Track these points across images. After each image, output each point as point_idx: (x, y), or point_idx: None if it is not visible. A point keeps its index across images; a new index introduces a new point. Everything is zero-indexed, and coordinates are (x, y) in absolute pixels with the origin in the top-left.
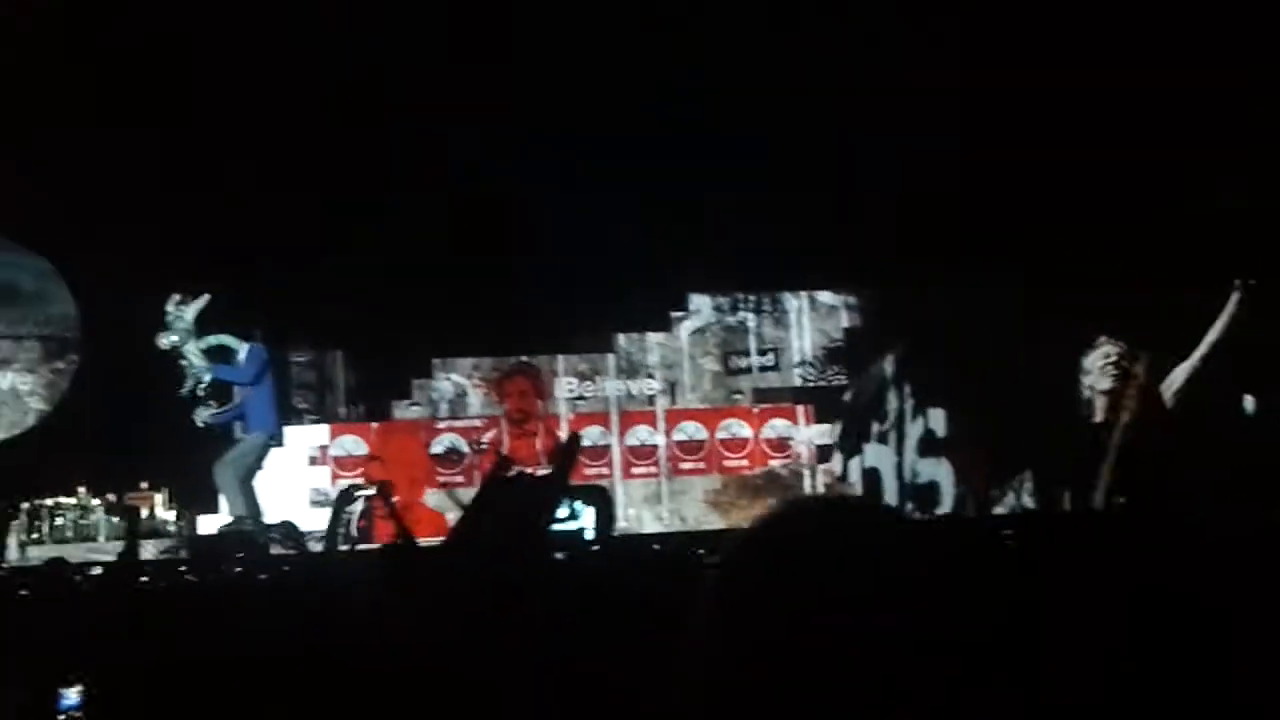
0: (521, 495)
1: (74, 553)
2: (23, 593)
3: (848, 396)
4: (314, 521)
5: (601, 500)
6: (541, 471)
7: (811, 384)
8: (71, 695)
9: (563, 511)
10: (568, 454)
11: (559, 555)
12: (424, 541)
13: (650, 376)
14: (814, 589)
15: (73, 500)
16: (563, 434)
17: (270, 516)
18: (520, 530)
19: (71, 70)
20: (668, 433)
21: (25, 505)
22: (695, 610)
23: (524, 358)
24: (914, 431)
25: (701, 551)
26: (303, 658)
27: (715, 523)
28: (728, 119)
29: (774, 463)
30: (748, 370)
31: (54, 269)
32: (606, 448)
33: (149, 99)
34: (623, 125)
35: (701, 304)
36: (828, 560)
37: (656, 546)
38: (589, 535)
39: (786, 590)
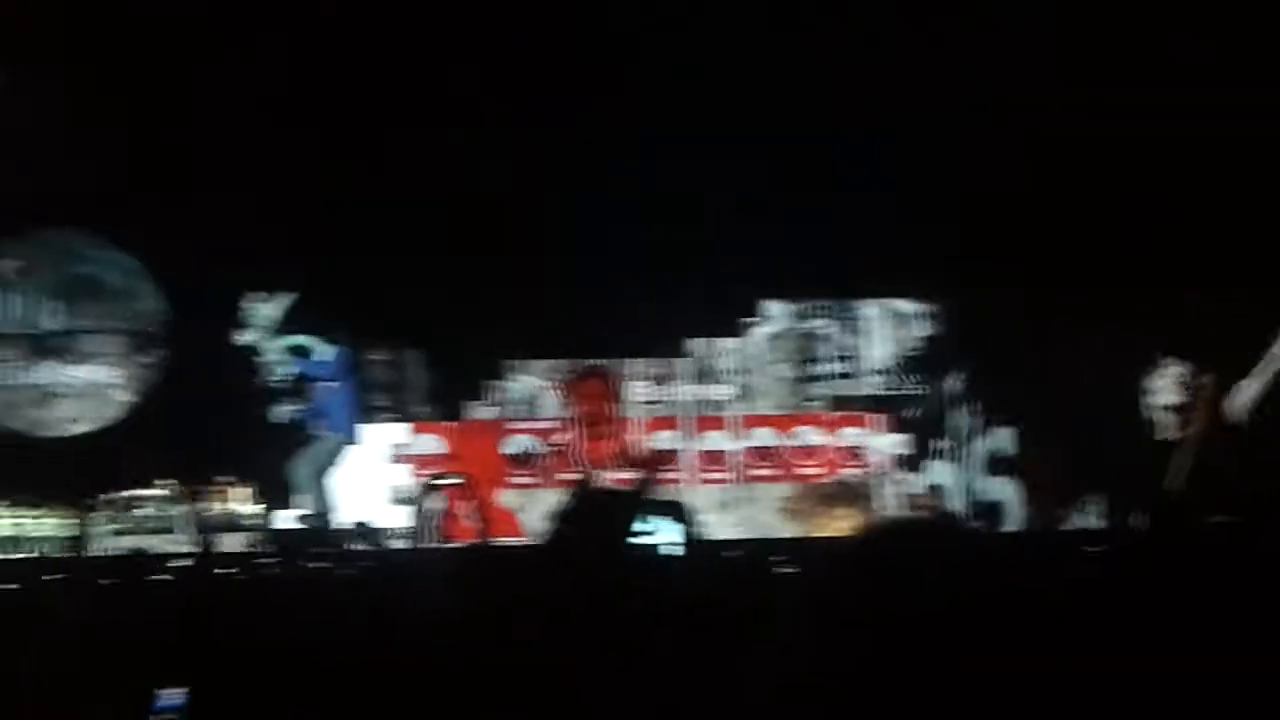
0: (604, 506)
1: (154, 544)
2: (105, 583)
3: (920, 406)
4: (391, 519)
5: (679, 513)
6: (622, 484)
7: (886, 393)
8: (174, 696)
9: (642, 524)
10: (649, 468)
11: (638, 563)
12: (500, 541)
13: (724, 382)
14: (902, 604)
15: (153, 493)
16: (635, 438)
17: (347, 514)
18: (602, 539)
19: (157, 69)
20: (740, 438)
21: (108, 497)
22: (776, 615)
23: (597, 361)
24: (983, 446)
25: (773, 559)
26: (384, 652)
27: (786, 530)
28: (805, 123)
29: (847, 471)
30: (822, 377)
31: (141, 266)
32: (678, 453)
33: (236, 98)
34: (700, 127)
35: (777, 310)
36: (915, 578)
37: (728, 554)
38: (668, 548)
39: (880, 605)
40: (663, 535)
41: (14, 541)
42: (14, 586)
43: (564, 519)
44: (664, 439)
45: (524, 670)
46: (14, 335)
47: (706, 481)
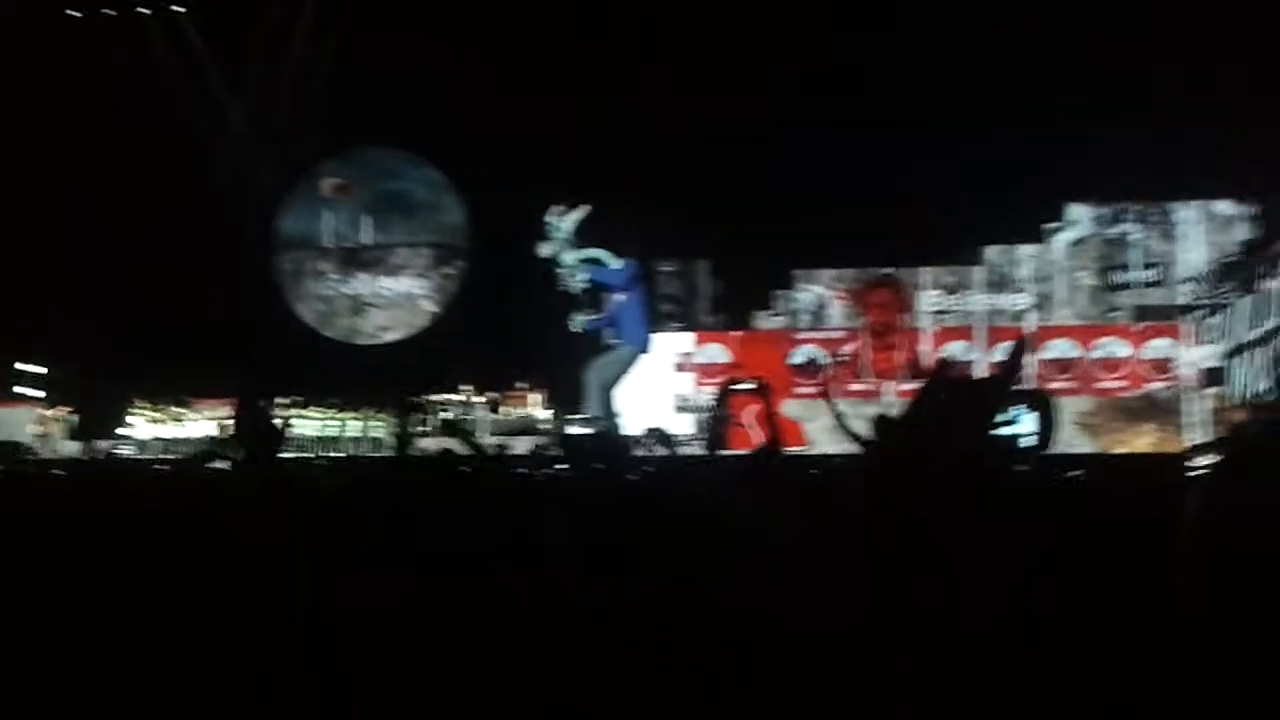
0: (966, 394)
1: (457, 446)
2: (421, 478)
3: (1238, 313)
4: (679, 426)
5: (1045, 406)
6: (986, 374)
7: (1200, 302)
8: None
9: (1005, 415)
10: (1015, 356)
11: (998, 458)
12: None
13: (1021, 290)
14: None
15: (457, 396)
16: (933, 348)
17: (637, 420)
18: (963, 428)
19: None
20: (1037, 350)
21: (417, 400)
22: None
23: (888, 269)
24: None
25: (1076, 474)
26: (672, 555)
27: (1084, 446)
28: (1114, 21)
29: (1154, 385)
30: (1128, 286)
31: (446, 181)
32: (970, 363)
33: (543, 19)
34: (997, 28)
35: (1080, 214)
36: None
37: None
38: (1030, 441)
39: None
40: (1024, 426)
41: (331, 441)
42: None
43: (922, 404)
44: (955, 349)
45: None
46: (332, 249)
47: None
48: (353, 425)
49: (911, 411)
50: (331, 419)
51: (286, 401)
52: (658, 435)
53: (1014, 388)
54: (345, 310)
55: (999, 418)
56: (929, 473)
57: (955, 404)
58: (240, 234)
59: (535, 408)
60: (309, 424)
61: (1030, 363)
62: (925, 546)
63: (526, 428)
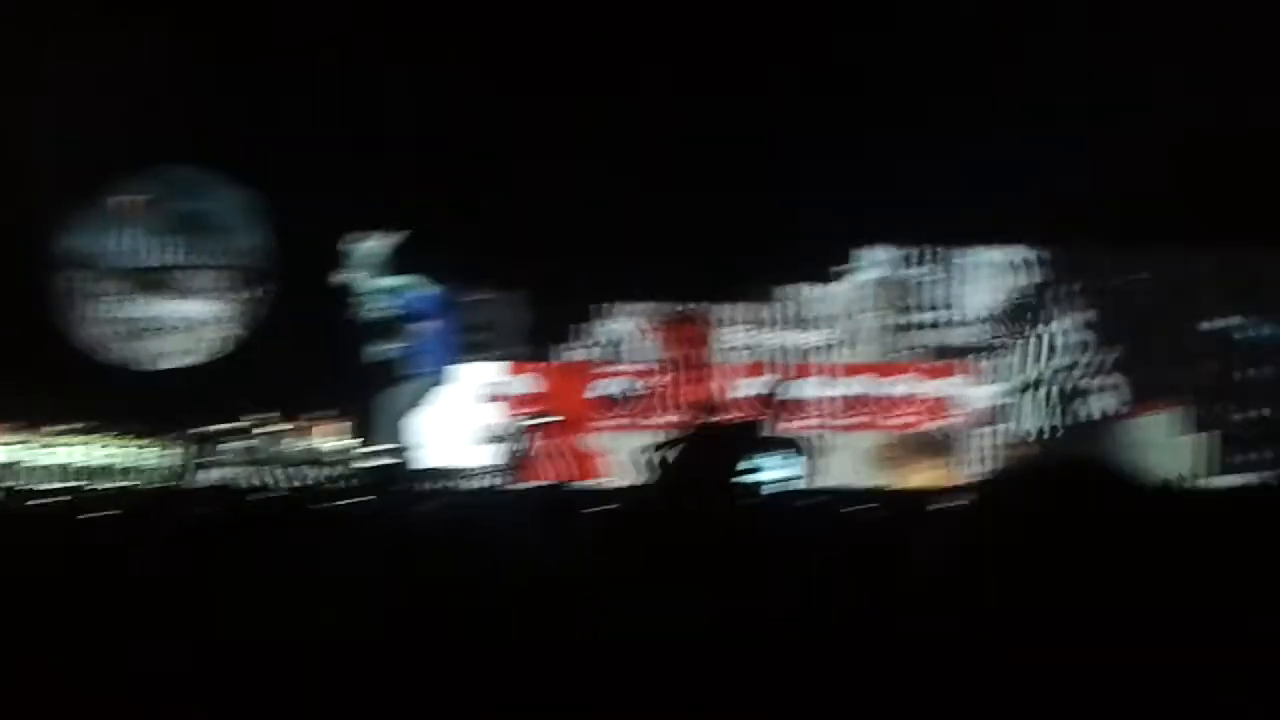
0: (716, 442)
1: (244, 475)
2: (198, 512)
3: (1016, 356)
4: (482, 457)
5: (797, 451)
6: (735, 421)
7: (984, 344)
8: None
9: (757, 461)
10: (765, 405)
11: (749, 502)
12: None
13: (819, 329)
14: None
15: (247, 425)
16: (731, 382)
17: (437, 452)
18: (712, 476)
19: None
20: (834, 386)
21: (205, 430)
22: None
23: (692, 305)
24: (1081, 391)
25: (871, 506)
26: (466, 587)
27: (878, 480)
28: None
29: (940, 421)
30: (920, 326)
31: (247, 204)
32: (771, 398)
33: (350, 48)
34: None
35: (876, 256)
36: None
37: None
38: (783, 485)
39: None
40: (777, 472)
41: (114, 471)
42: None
43: (675, 453)
44: (757, 385)
45: (613, 607)
46: (122, 270)
47: (798, 429)
48: (128, 454)
49: (676, 454)
50: (106, 446)
51: (59, 428)
52: (448, 468)
53: (768, 434)
54: (130, 334)
55: (753, 463)
56: (684, 507)
57: (709, 450)
58: (16, 252)
59: (336, 437)
60: (81, 452)
61: (788, 404)
62: (679, 572)
63: (325, 457)
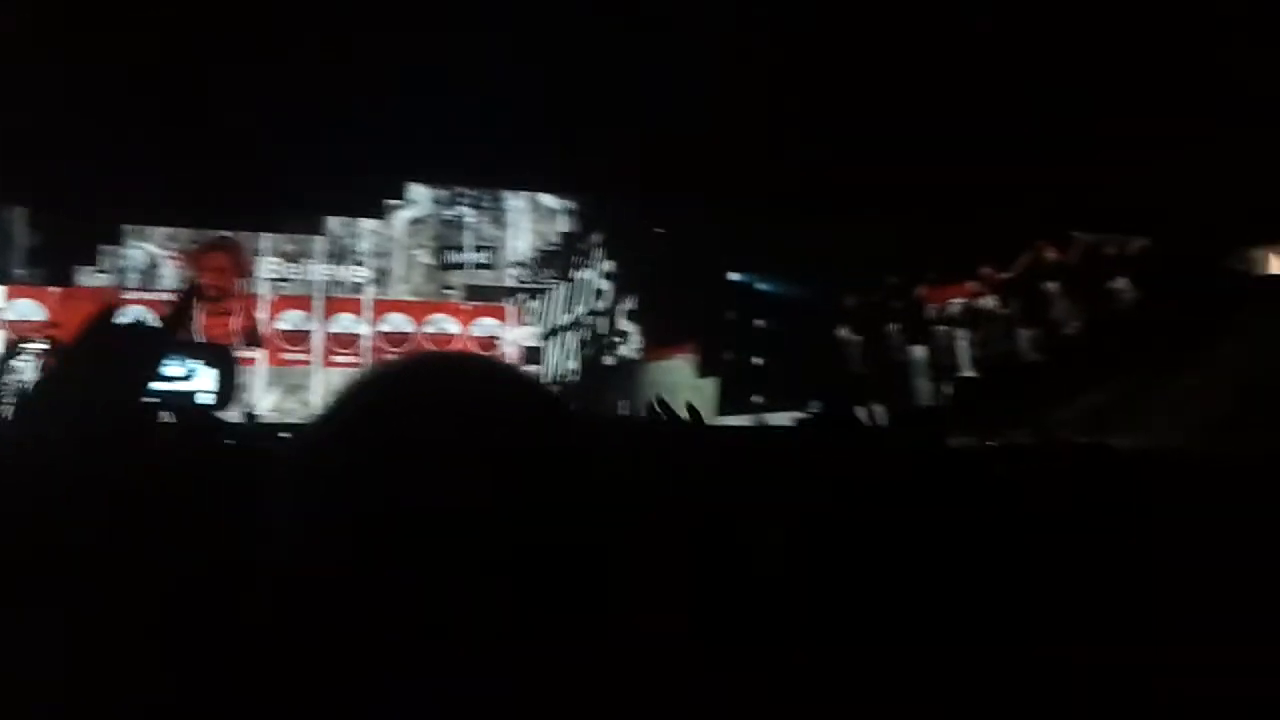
0: (127, 342)
1: None
2: None
3: (554, 299)
4: None
5: (224, 362)
6: (140, 324)
7: (524, 285)
8: None
9: (179, 369)
10: (184, 303)
11: (163, 415)
12: None
13: (360, 264)
14: (398, 441)
15: None
16: (261, 314)
17: None
18: (118, 380)
19: None
20: (373, 323)
21: None
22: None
23: (226, 232)
24: (604, 336)
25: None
26: None
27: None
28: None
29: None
30: (461, 266)
31: None
32: (308, 333)
33: None
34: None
35: (420, 194)
36: (415, 412)
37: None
38: (206, 399)
39: (368, 443)
40: (204, 384)
41: None
42: None
43: (77, 348)
44: (293, 318)
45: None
46: None
47: (335, 364)
48: None
49: (68, 352)
50: None
51: None
52: None
53: (185, 340)
54: None
55: (170, 369)
56: (74, 421)
57: (112, 350)
58: None
59: None
60: None
61: (198, 316)
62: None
63: None
